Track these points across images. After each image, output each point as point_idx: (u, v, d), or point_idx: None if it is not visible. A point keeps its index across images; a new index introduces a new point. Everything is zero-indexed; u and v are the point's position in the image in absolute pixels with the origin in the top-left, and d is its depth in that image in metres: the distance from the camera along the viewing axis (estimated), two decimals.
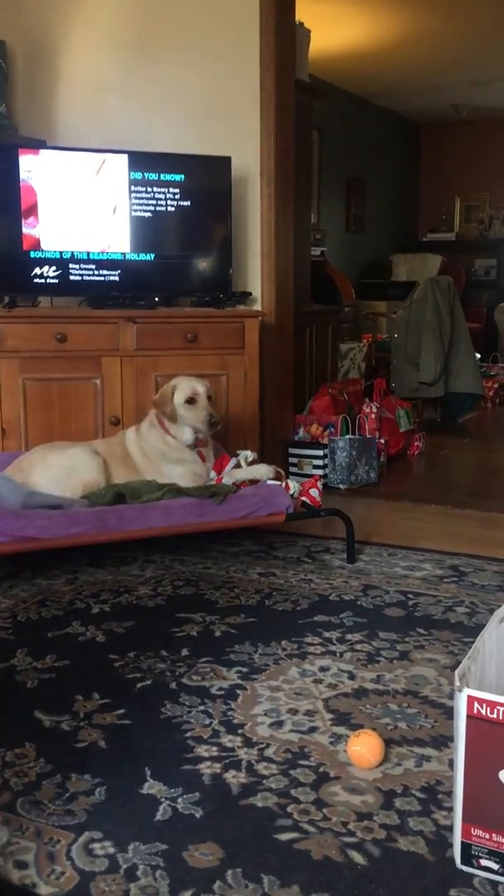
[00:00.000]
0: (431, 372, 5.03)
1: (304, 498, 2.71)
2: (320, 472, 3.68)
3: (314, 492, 2.71)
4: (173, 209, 3.17)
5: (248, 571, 2.60)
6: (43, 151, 3.04)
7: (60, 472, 2.53)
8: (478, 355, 5.51)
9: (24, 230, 3.00)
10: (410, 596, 2.40)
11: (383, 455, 3.93)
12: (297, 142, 3.65)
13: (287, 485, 2.67)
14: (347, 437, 3.74)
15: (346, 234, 7.78)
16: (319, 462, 3.70)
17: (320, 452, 3.70)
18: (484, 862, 1.26)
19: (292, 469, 3.75)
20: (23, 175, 2.97)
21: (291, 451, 3.76)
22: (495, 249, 8.62)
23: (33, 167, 2.98)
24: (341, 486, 3.66)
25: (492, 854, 1.25)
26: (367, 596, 2.39)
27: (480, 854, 1.26)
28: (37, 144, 3.26)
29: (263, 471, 2.72)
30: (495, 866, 1.25)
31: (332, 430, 3.88)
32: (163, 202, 3.15)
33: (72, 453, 2.58)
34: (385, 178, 8.29)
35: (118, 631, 2.15)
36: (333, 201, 7.47)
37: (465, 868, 1.28)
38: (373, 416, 4.03)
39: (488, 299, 8.38)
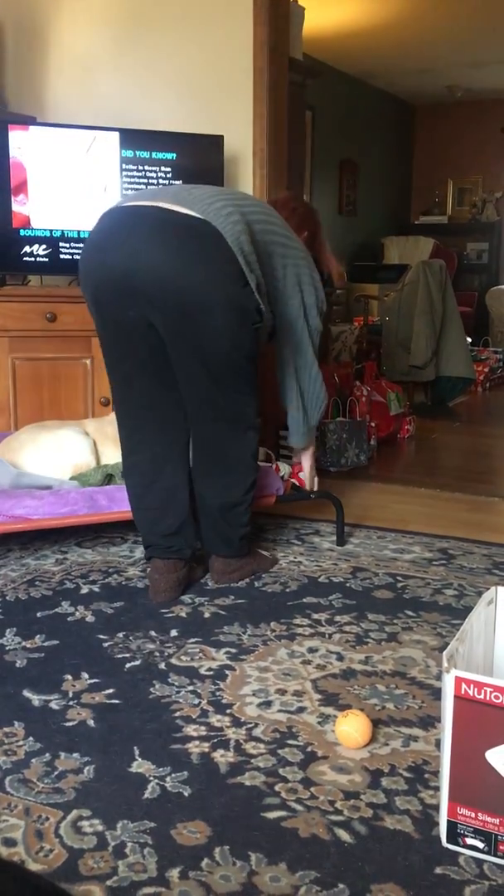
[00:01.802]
0: (422, 355, 5.03)
1: (293, 480, 2.71)
2: None
3: (304, 474, 2.72)
4: None
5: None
6: (33, 128, 3.01)
7: (51, 453, 2.52)
8: (468, 339, 5.52)
9: (14, 208, 2.97)
10: (399, 578, 2.41)
11: (373, 438, 3.94)
12: (290, 122, 3.62)
13: (277, 467, 2.68)
14: (338, 419, 3.74)
15: (339, 216, 7.74)
16: None
17: None
18: (469, 840, 1.27)
19: (283, 451, 3.74)
20: (13, 152, 2.93)
21: (282, 433, 3.76)
22: (487, 233, 8.60)
23: (23, 144, 2.95)
24: (331, 469, 3.66)
25: (477, 833, 1.26)
26: (357, 578, 2.40)
27: (466, 833, 1.27)
28: (26, 121, 3.22)
29: None
30: (481, 845, 1.26)
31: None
32: (154, 181, 3.12)
33: (62, 434, 2.57)
34: (378, 160, 8.24)
35: (107, 611, 2.15)
36: (326, 183, 7.43)
37: (450, 846, 1.29)
38: (363, 399, 4.03)
39: (480, 283, 8.37)
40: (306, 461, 2.61)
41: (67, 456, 2.52)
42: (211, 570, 2.35)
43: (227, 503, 2.24)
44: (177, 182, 3.15)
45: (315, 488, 2.66)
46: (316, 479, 2.67)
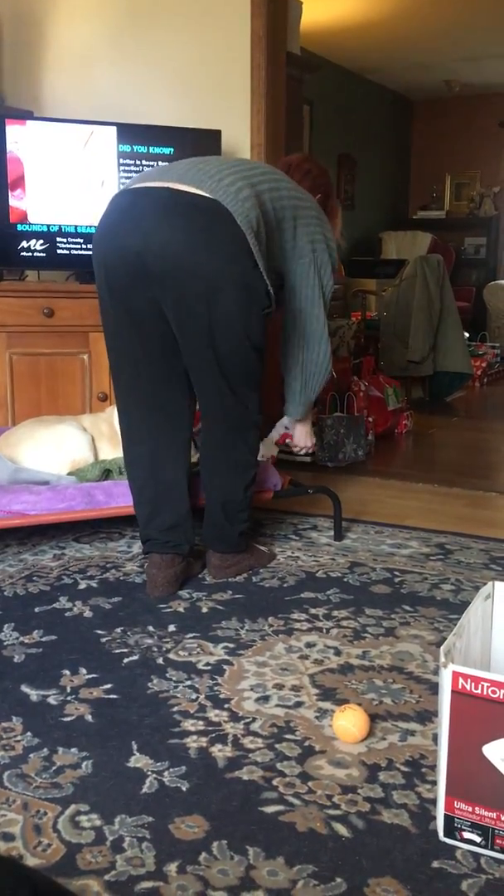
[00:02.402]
0: (420, 350, 5.03)
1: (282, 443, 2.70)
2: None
3: (296, 438, 2.64)
4: None
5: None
6: (30, 122, 3.00)
7: (49, 448, 2.52)
8: (466, 334, 5.52)
9: (12, 202, 2.96)
10: (397, 573, 2.41)
11: (371, 433, 3.94)
12: (288, 116, 3.62)
13: (272, 458, 2.68)
14: (335, 414, 3.74)
15: None
16: None
17: None
18: (466, 834, 1.27)
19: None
20: (9, 146, 2.93)
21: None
22: (485, 228, 8.59)
23: (20, 138, 2.94)
24: (329, 465, 3.66)
25: (474, 827, 1.26)
26: (354, 573, 2.41)
27: (463, 827, 1.27)
28: (23, 115, 3.21)
29: None
30: (477, 839, 1.27)
31: (321, 407, 3.88)
32: None
33: (60, 430, 2.57)
34: (376, 155, 8.23)
35: (105, 606, 2.16)
36: None
37: (447, 840, 1.29)
38: (361, 394, 4.03)
39: (477, 278, 8.37)
40: (302, 427, 2.57)
41: (66, 452, 2.52)
42: (208, 565, 2.36)
43: (229, 500, 2.25)
44: None
45: (311, 448, 2.64)
46: (313, 438, 2.63)
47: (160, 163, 3.11)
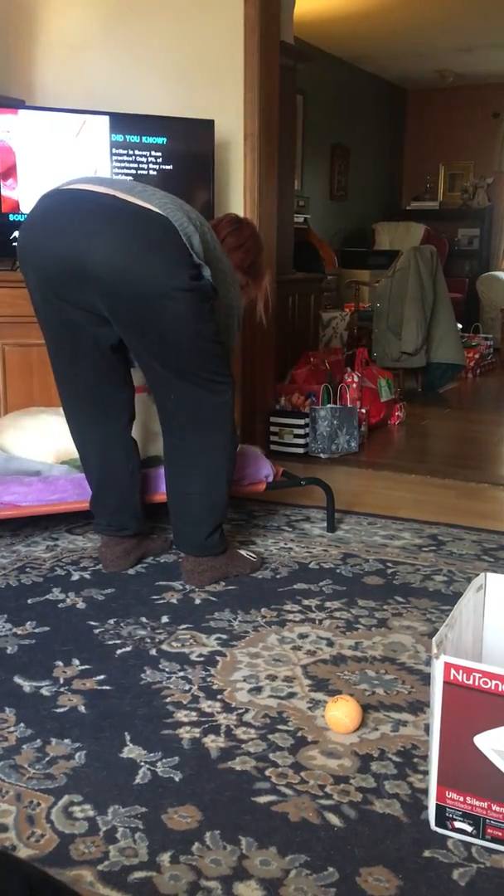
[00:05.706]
0: (413, 342, 5.03)
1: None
2: (301, 440, 3.69)
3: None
4: (155, 173, 3.12)
5: (228, 540, 2.60)
6: (21, 111, 2.98)
7: (33, 437, 2.51)
8: (459, 325, 5.52)
9: (4, 192, 2.94)
10: (389, 564, 2.42)
11: (364, 424, 3.95)
12: (281, 106, 3.60)
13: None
14: (329, 406, 3.74)
15: (330, 202, 7.71)
16: (300, 431, 3.71)
17: (302, 421, 3.71)
18: (458, 824, 1.28)
19: (273, 438, 3.75)
20: (1, 135, 2.91)
21: (273, 419, 3.76)
22: (478, 219, 8.58)
23: (12, 127, 2.92)
24: (322, 456, 3.67)
25: (465, 816, 1.27)
26: (347, 564, 2.41)
27: (454, 816, 1.28)
28: (15, 104, 3.19)
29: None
30: (469, 828, 1.28)
31: (314, 398, 3.88)
32: (144, 165, 3.09)
33: (44, 419, 2.57)
34: (370, 145, 8.20)
35: (98, 598, 2.16)
36: (317, 168, 7.39)
37: (439, 830, 1.30)
38: (354, 385, 4.03)
39: (471, 269, 8.36)
40: None
41: (50, 442, 2.51)
42: (182, 570, 2.29)
43: (196, 495, 2.21)
44: (167, 167, 3.13)
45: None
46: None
47: (153, 153, 3.10)
